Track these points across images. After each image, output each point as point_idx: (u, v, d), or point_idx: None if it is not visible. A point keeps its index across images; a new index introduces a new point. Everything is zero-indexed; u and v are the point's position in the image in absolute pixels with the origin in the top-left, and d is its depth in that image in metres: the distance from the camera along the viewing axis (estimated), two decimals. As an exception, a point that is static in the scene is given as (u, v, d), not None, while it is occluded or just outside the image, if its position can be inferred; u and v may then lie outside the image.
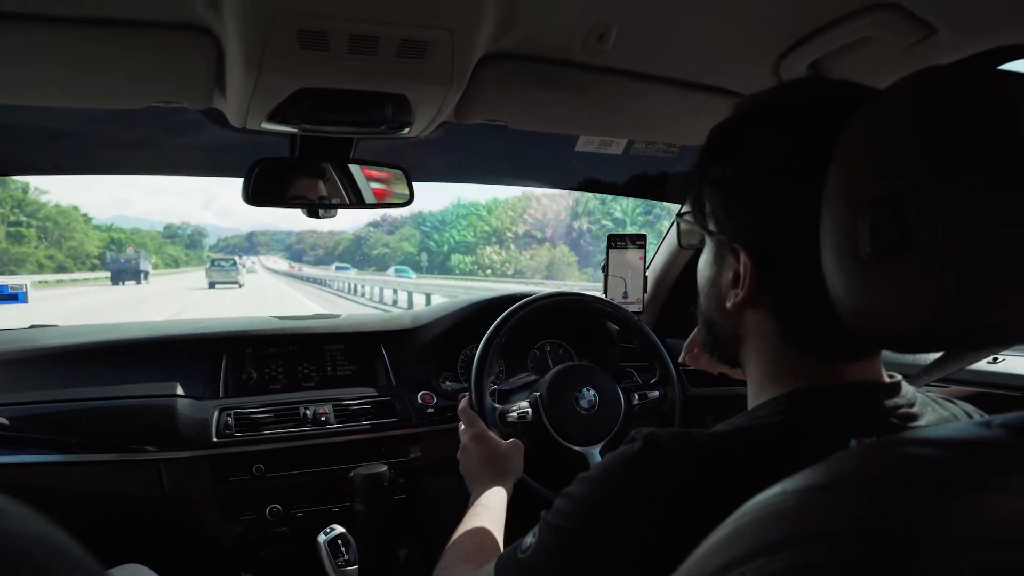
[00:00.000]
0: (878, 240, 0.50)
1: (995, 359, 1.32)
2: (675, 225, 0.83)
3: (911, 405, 0.70)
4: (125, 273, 41.19)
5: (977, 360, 0.93)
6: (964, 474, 0.41)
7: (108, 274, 42.63)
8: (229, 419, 1.54)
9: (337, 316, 1.99)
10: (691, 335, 1.10)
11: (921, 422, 0.68)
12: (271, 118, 1.22)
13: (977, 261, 0.45)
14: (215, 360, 1.66)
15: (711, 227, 0.72)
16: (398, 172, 1.52)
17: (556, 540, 0.69)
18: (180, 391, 1.57)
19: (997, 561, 0.36)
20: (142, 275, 41.61)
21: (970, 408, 0.75)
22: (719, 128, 0.72)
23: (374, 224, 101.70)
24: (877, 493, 0.42)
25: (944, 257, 0.46)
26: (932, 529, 0.38)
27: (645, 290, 1.95)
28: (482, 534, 1.09)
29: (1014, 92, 0.46)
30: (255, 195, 1.37)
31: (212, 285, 35.07)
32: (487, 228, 74.31)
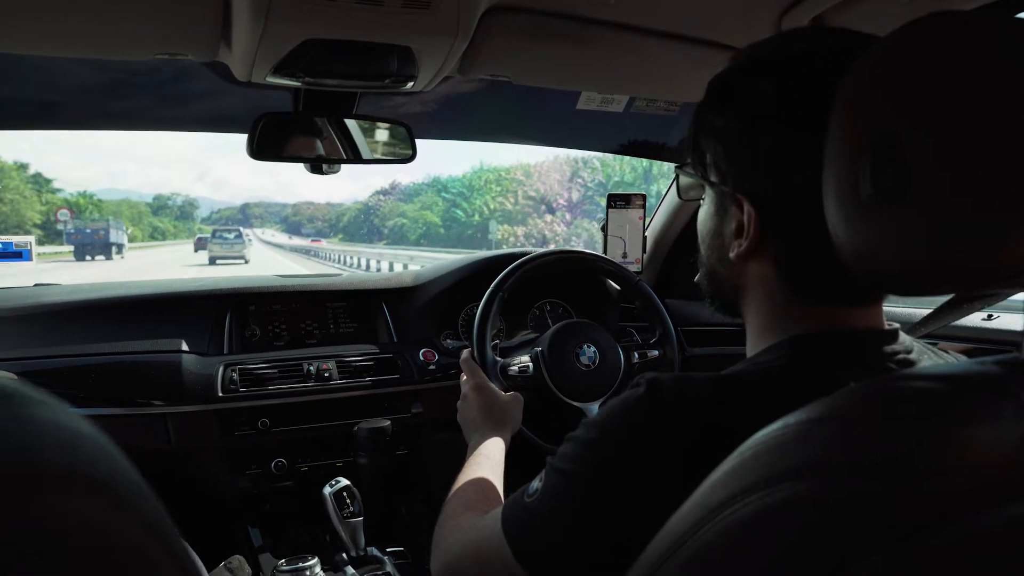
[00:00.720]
0: (878, 180, 0.51)
1: (989, 316, 1.35)
2: (675, 179, 0.83)
3: (909, 352, 0.71)
4: (92, 247, 35.44)
5: (971, 312, 0.95)
6: (955, 404, 0.43)
7: (71, 248, 36.77)
8: (234, 375, 1.56)
9: (339, 275, 2.01)
10: None
11: (919, 367, 0.69)
12: (276, 71, 1.22)
13: (973, 196, 0.46)
14: (219, 317, 1.68)
15: (712, 178, 0.72)
16: (400, 128, 1.53)
17: (562, 484, 0.70)
18: (185, 347, 1.59)
19: (965, 484, 0.38)
20: (114, 248, 36.39)
21: (963, 358, 0.76)
22: (718, 78, 0.72)
23: (384, 192, 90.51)
24: (870, 424, 0.44)
25: (942, 194, 0.47)
26: (908, 456, 0.40)
27: (644, 250, 1.97)
28: (483, 483, 1.11)
29: (1017, 38, 0.47)
30: (260, 149, 1.37)
31: (213, 261, 32.23)
32: (533, 194, 61.79)
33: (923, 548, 0.36)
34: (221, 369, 1.55)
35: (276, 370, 1.60)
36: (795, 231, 0.66)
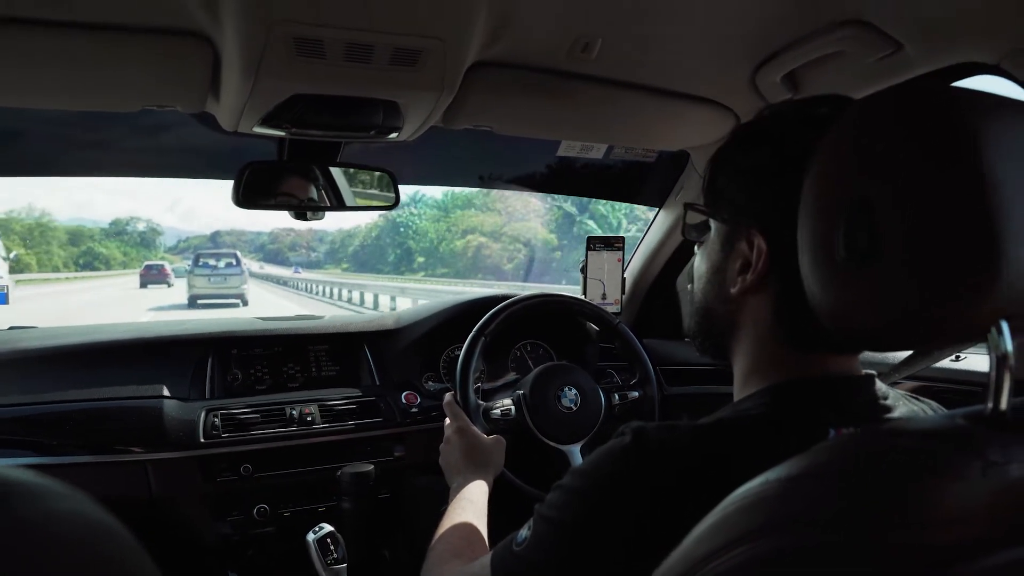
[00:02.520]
0: (852, 243, 0.53)
1: (957, 357, 1.39)
2: (684, 215, 0.87)
3: (885, 398, 0.74)
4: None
5: (943, 358, 0.98)
6: (927, 461, 0.45)
7: None
8: (216, 420, 1.55)
9: (321, 317, 2.01)
10: None
11: (895, 415, 0.72)
12: (263, 122, 1.25)
13: (938, 265, 0.49)
14: (201, 361, 1.67)
15: (726, 214, 0.76)
16: (384, 175, 1.55)
17: (550, 532, 0.72)
18: (166, 392, 1.58)
19: (940, 539, 0.40)
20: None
21: (934, 404, 0.80)
22: (749, 125, 0.77)
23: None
24: (847, 481, 0.46)
25: (910, 261, 0.50)
26: (886, 512, 0.42)
27: (623, 292, 2.00)
28: (468, 528, 1.11)
29: (972, 111, 0.50)
30: (246, 198, 1.39)
31: (193, 303, 20.97)
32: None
33: None
34: (203, 414, 1.54)
35: (258, 415, 1.59)
36: (796, 271, 0.68)
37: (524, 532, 0.76)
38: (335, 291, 24.83)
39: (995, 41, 0.97)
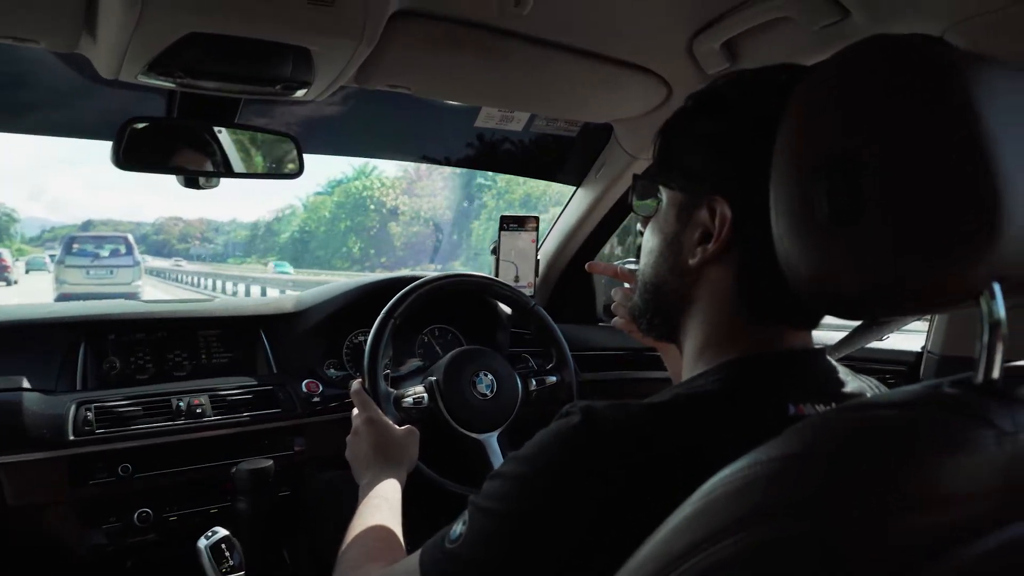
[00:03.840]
0: (836, 201, 0.50)
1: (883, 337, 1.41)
2: (632, 186, 0.82)
3: (837, 372, 0.73)
4: None
5: (882, 335, 0.98)
6: (927, 433, 0.42)
7: None
8: (89, 414, 1.36)
9: (210, 299, 1.83)
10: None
11: (847, 389, 0.71)
12: (151, 68, 1.08)
13: (931, 223, 0.46)
14: (71, 348, 1.46)
15: (682, 183, 0.72)
16: (288, 141, 1.40)
17: (491, 524, 0.64)
18: (26, 384, 1.37)
19: (949, 517, 0.38)
20: None
21: (873, 381, 0.79)
22: (708, 90, 0.73)
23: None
24: (843, 459, 0.43)
25: (900, 219, 0.47)
26: (890, 491, 0.39)
27: (536, 274, 1.94)
28: (383, 530, 1.01)
29: (966, 64, 0.47)
30: (127, 158, 1.21)
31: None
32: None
33: None
34: (73, 408, 1.35)
35: (140, 407, 1.41)
36: (763, 241, 0.63)
37: (458, 527, 0.68)
38: (218, 284, 23.34)
39: (941, 12, 0.96)
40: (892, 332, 1.01)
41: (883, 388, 0.77)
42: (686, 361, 0.76)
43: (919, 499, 0.38)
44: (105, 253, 16.70)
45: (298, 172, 1.43)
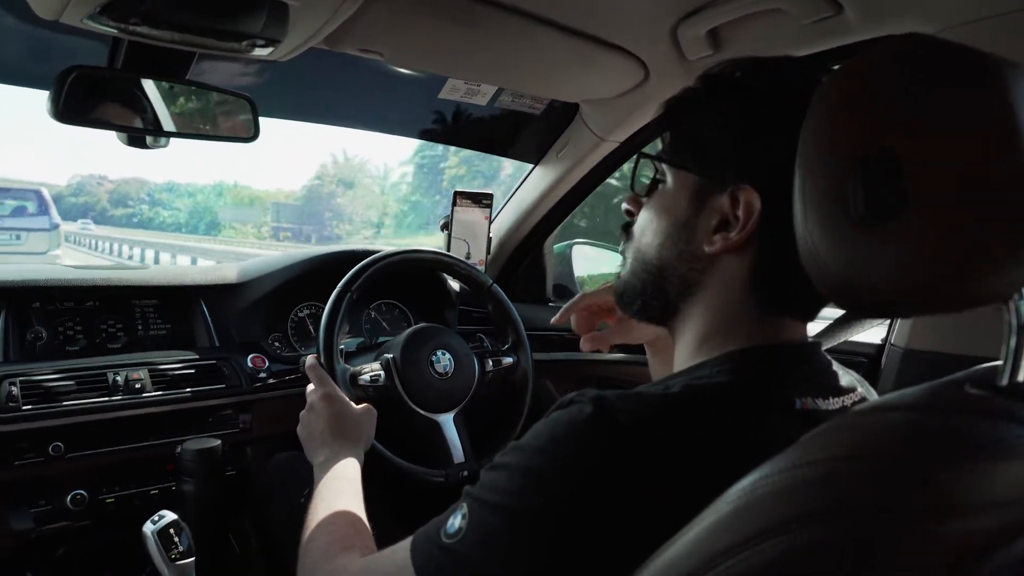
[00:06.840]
0: (873, 198, 0.48)
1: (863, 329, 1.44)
2: (635, 166, 0.78)
3: (832, 366, 0.73)
4: None
5: (864, 329, 0.99)
6: (972, 437, 0.42)
7: None
8: (14, 389, 1.24)
9: (146, 267, 1.71)
10: (572, 301, 1.08)
11: (842, 383, 0.71)
12: (103, 12, 0.97)
13: (977, 224, 0.46)
14: None
15: (699, 166, 0.69)
16: (243, 101, 1.31)
17: (501, 521, 0.60)
18: None
19: (995, 520, 0.38)
20: None
21: (856, 375, 0.78)
22: (726, 73, 0.70)
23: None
24: (895, 462, 0.42)
25: (945, 218, 0.46)
26: (940, 494, 0.39)
27: (488, 252, 1.91)
28: (352, 515, 0.96)
29: (1008, 65, 0.47)
30: (67, 110, 1.09)
31: None
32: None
33: None
34: None
35: (72, 382, 1.31)
36: (787, 234, 0.61)
37: (456, 521, 0.63)
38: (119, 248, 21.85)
39: (937, 12, 0.96)
40: (873, 326, 1.03)
41: (867, 383, 0.77)
42: (682, 348, 0.74)
43: (964, 504, 0.38)
44: (6, 213, 12.98)
45: (253, 136, 1.34)
